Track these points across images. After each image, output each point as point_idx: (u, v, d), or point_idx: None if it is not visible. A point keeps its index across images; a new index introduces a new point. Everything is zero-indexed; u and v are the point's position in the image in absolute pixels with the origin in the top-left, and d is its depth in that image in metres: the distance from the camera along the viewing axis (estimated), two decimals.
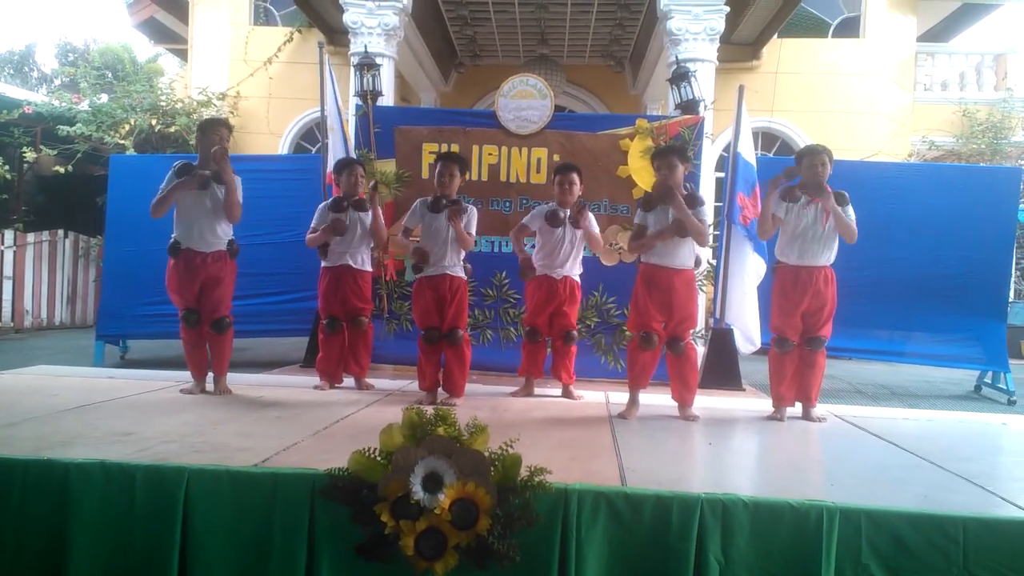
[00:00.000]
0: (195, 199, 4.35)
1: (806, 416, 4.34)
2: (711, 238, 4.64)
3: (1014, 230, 7.50)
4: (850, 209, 4.33)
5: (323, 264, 4.91)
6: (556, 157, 6.37)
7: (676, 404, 4.34)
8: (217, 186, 4.37)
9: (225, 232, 4.46)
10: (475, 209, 4.67)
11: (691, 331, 4.42)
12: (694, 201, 4.28)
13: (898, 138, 12.31)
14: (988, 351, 7.17)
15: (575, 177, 4.84)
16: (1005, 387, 7.22)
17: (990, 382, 7.65)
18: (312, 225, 4.88)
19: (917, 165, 10.98)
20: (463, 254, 4.59)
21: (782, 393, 4.37)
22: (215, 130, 4.45)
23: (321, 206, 4.94)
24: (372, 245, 5.03)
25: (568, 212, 4.82)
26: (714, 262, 6.88)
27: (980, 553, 2.33)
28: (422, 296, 4.56)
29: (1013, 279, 10.92)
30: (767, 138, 12.47)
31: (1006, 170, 9.06)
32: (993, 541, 2.34)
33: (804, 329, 4.33)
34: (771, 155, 12.04)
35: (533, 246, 5.04)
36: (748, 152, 6.50)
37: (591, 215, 4.90)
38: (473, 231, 4.58)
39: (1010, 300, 8.33)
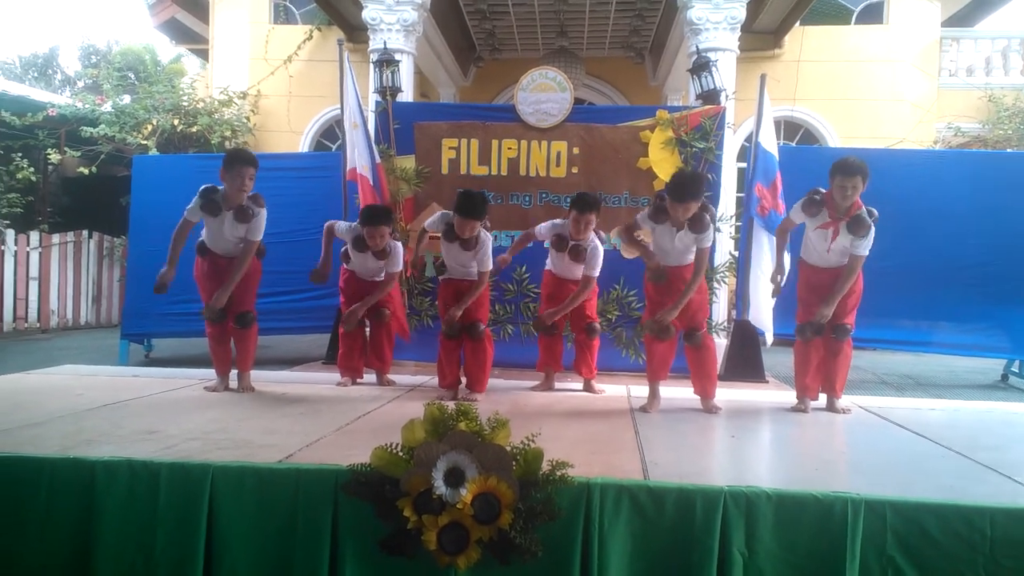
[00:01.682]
0: (217, 226, 4.40)
1: (830, 407, 4.30)
2: (707, 261, 4.57)
3: None
4: (864, 242, 4.20)
5: (344, 265, 4.94)
6: (576, 150, 6.36)
7: (698, 397, 4.32)
8: (239, 224, 4.39)
9: None
10: (489, 237, 4.57)
11: (706, 320, 4.39)
12: (699, 226, 4.14)
13: (923, 125, 12.14)
14: (1014, 340, 7.06)
15: (592, 219, 4.73)
16: None
17: (1016, 371, 7.54)
18: (335, 237, 4.92)
19: (942, 152, 10.83)
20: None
21: (807, 384, 4.34)
22: (241, 171, 4.33)
23: (349, 227, 4.85)
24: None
25: (577, 244, 4.77)
26: (736, 254, 6.83)
27: (1007, 544, 2.30)
28: (444, 293, 4.59)
29: None
30: (789, 127, 12.34)
31: None
32: (1020, 532, 2.31)
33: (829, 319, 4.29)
34: (794, 144, 11.92)
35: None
36: (769, 142, 6.44)
37: (597, 255, 4.81)
38: (488, 264, 4.51)
39: None
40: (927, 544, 2.33)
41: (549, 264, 4.95)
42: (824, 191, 4.27)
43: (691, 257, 4.26)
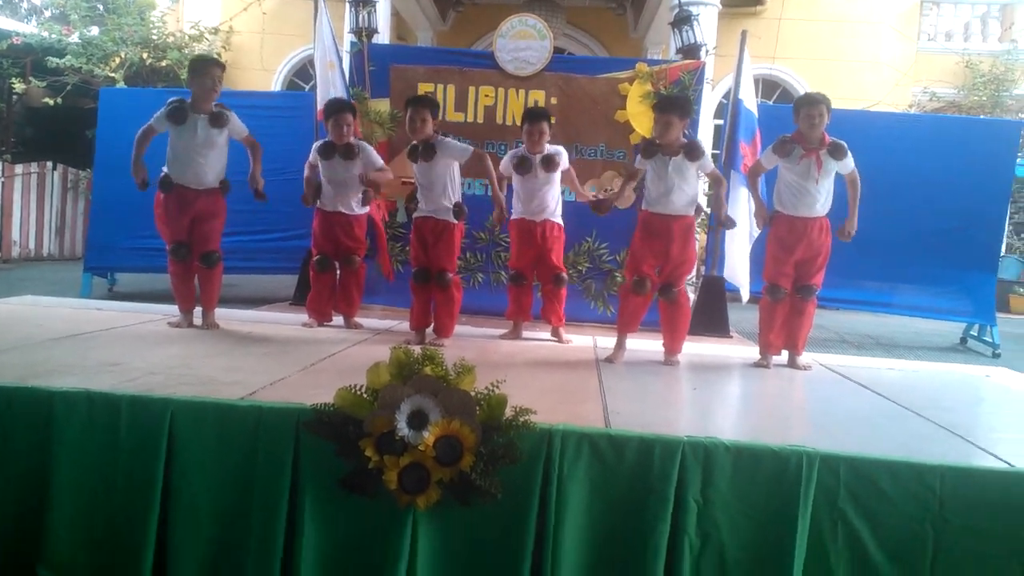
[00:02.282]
0: (186, 136, 4.28)
1: (792, 364, 4.37)
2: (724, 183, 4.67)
3: (1010, 184, 7.49)
4: (848, 160, 4.29)
5: (317, 205, 4.87)
6: (554, 100, 6.30)
7: (663, 350, 4.37)
8: (213, 128, 4.31)
9: (218, 170, 4.41)
10: (447, 140, 4.58)
11: (686, 278, 4.42)
12: (694, 152, 4.23)
13: (900, 88, 12.20)
14: (977, 304, 7.22)
15: (545, 127, 4.79)
16: (991, 340, 7.29)
17: (976, 334, 7.71)
18: (308, 161, 4.84)
19: (917, 116, 10.90)
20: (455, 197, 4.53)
21: (770, 340, 4.39)
22: (208, 71, 4.36)
23: (315, 145, 4.87)
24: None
25: (538, 158, 4.78)
26: (708, 211, 6.84)
27: (955, 502, 2.36)
28: (414, 238, 4.55)
29: (1006, 233, 10.92)
30: (768, 85, 12.33)
31: (1006, 123, 9.00)
32: (968, 491, 2.37)
33: (796, 277, 4.34)
34: (771, 103, 11.91)
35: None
36: (749, 99, 6.43)
37: (563, 157, 4.89)
38: (466, 147, 4.51)
39: (1001, 254, 8.33)
40: (878, 499, 2.38)
41: (515, 209, 4.91)
42: (791, 134, 4.32)
43: (687, 204, 4.28)
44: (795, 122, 4.29)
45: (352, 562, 2.43)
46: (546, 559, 2.37)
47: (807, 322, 4.40)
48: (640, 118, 6.17)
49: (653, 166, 4.28)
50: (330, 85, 6.09)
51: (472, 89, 6.35)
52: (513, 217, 4.92)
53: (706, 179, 4.59)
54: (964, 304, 7.22)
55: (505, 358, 4.15)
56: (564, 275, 4.99)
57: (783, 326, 4.38)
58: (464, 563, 2.42)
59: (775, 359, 4.40)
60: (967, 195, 7.05)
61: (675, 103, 4.36)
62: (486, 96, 6.35)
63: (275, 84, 12.50)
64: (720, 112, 10.47)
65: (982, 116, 11.87)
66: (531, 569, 2.39)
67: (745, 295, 6.24)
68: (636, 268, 4.32)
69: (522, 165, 4.79)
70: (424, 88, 6.34)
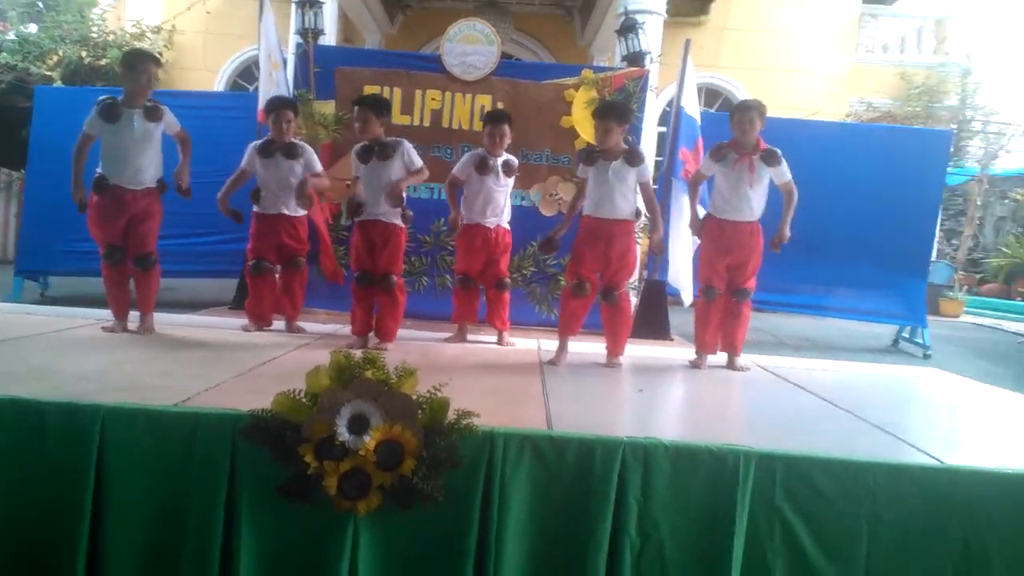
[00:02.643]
0: (122, 133, 4.17)
1: (731, 365, 4.44)
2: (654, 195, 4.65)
3: (941, 191, 7.75)
4: (782, 169, 4.38)
5: (255, 209, 4.78)
6: (500, 105, 6.30)
7: (605, 352, 4.40)
8: (150, 123, 4.21)
9: (156, 168, 4.31)
10: (406, 142, 4.52)
11: (627, 281, 4.45)
12: (635, 158, 4.29)
13: (837, 98, 12.52)
14: (908, 307, 7.43)
15: (506, 129, 4.81)
16: (922, 342, 7.51)
17: (908, 336, 7.93)
18: (241, 165, 4.73)
19: (852, 125, 11.20)
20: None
21: (706, 340, 4.48)
22: (143, 66, 4.25)
23: (251, 146, 4.77)
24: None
25: (498, 161, 4.79)
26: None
27: (888, 498, 2.42)
28: (357, 240, 4.49)
29: (936, 239, 11.26)
30: (710, 94, 12.55)
31: (937, 133, 9.28)
32: (901, 487, 2.43)
33: (730, 281, 4.42)
34: (713, 111, 12.11)
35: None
36: (692, 107, 6.53)
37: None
38: (417, 162, 4.46)
39: (932, 259, 8.60)
40: (814, 497, 2.42)
41: (465, 215, 4.89)
42: (727, 141, 4.43)
43: (628, 208, 4.30)
44: (731, 128, 4.39)
45: (292, 569, 2.38)
46: (489, 561, 2.36)
47: (743, 324, 4.48)
48: (584, 124, 6.22)
49: (594, 172, 4.31)
50: (274, 86, 6.01)
51: (419, 93, 6.34)
52: (464, 222, 4.90)
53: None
54: (896, 307, 7.43)
55: (450, 361, 4.13)
56: (507, 280, 5.00)
57: (718, 327, 4.46)
58: (406, 567, 2.39)
59: (713, 360, 4.47)
60: (900, 202, 7.26)
61: (614, 109, 4.40)
62: (433, 100, 6.34)
63: (218, 85, 12.30)
64: (664, 119, 10.61)
65: (916, 126, 12.24)
66: (474, 572, 2.37)
67: (688, 299, 6.32)
68: (577, 271, 4.35)
69: (483, 166, 4.78)
70: (370, 90, 6.29)
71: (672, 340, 6.19)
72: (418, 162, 4.44)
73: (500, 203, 4.84)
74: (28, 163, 7.42)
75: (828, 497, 2.43)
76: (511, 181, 4.88)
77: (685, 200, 6.23)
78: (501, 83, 6.36)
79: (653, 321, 6.26)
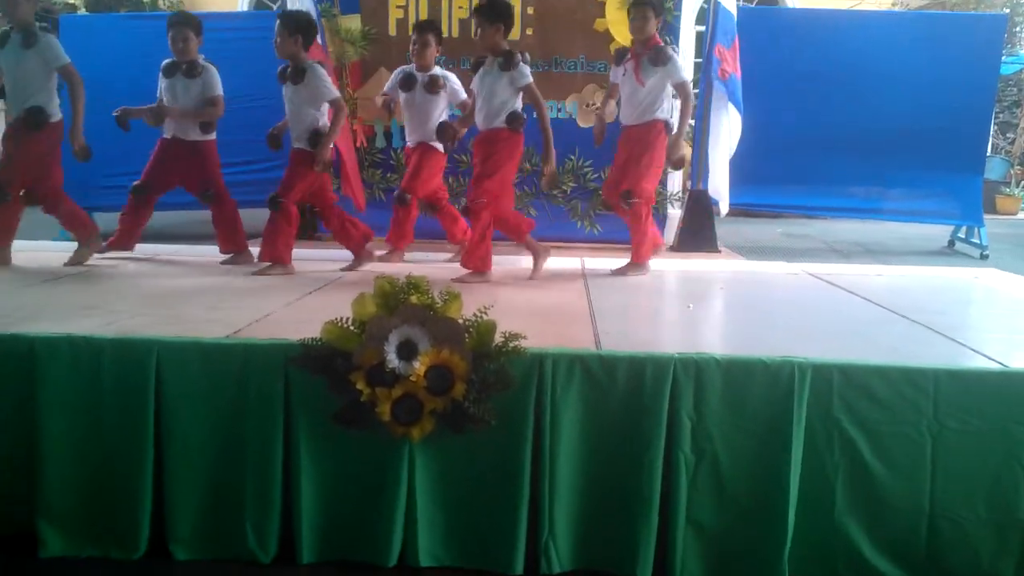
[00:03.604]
0: (7, 61, 4.12)
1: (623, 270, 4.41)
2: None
3: (996, 81, 7.39)
4: (673, 67, 4.19)
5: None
6: (530, 10, 6.10)
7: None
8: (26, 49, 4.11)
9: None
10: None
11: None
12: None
13: None
14: (964, 206, 7.19)
15: (430, 39, 4.73)
16: (978, 242, 7.29)
17: (964, 237, 7.71)
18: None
19: (898, 13, 10.66)
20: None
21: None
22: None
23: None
24: None
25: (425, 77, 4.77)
26: (692, 121, 6.73)
27: (949, 404, 2.36)
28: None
29: (991, 133, 10.84)
30: None
31: (990, 17, 8.81)
32: (962, 392, 2.37)
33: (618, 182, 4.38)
34: (753, 4, 11.61)
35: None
36: (729, 1, 6.24)
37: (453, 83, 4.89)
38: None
39: (987, 154, 8.28)
40: (873, 406, 2.38)
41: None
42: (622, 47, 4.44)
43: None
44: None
45: (351, 495, 2.43)
46: (543, 483, 2.38)
47: (640, 228, 4.37)
48: (619, 26, 5.98)
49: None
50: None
51: (446, 1, 6.13)
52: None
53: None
54: (951, 206, 7.19)
55: (493, 283, 4.10)
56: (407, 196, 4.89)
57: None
58: (462, 491, 2.43)
59: (759, 269, 4.39)
60: (952, 94, 6.93)
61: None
62: (460, 8, 6.14)
63: (241, 4, 12.07)
64: (702, 17, 10.20)
65: (967, 11, 11.63)
66: (529, 493, 2.39)
67: (724, 208, 6.21)
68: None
69: (406, 83, 4.75)
70: (396, 2, 6.12)
71: (720, 252, 6.08)
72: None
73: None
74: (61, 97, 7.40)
75: (887, 406, 2.38)
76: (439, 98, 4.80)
77: (726, 105, 6.05)
78: None
79: (699, 232, 6.15)
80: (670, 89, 4.25)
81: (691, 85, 4.40)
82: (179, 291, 3.53)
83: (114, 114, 4.40)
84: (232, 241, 4.63)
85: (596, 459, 2.41)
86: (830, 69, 6.87)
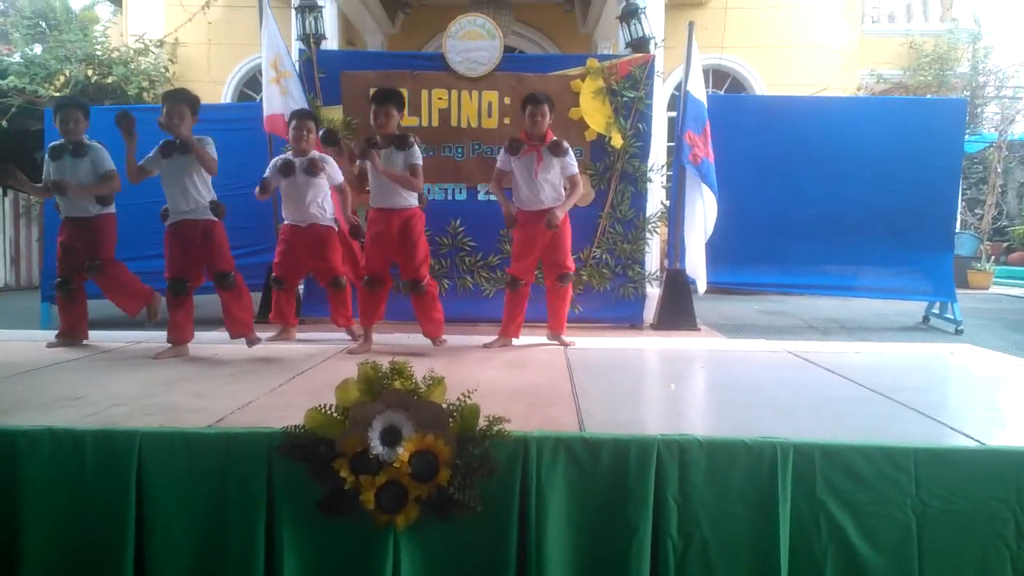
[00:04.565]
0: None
1: (560, 342, 4.88)
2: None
3: (960, 161, 7.61)
4: (569, 160, 4.74)
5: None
6: (507, 100, 6.27)
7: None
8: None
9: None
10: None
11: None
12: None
13: (846, 72, 12.38)
14: (936, 282, 7.32)
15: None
16: (952, 317, 7.41)
17: (938, 312, 7.83)
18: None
19: (864, 99, 11.08)
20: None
21: (510, 330, 4.90)
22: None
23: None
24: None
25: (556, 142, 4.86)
26: (668, 203, 6.89)
27: (931, 483, 2.38)
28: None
29: (959, 210, 11.14)
30: (718, 75, 12.43)
31: (952, 101, 9.15)
32: (943, 470, 2.39)
33: (551, 265, 4.84)
34: (722, 92, 12.02)
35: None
36: (698, 90, 6.47)
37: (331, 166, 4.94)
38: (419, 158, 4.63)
39: (956, 231, 8.48)
40: (856, 486, 2.39)
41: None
42: (519, 135, 4.80)
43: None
44: (525, 119, 4.72)
45: None
46: (531, 569, 2.35)
47: (567, 303, 4.96)
48: (594, 114, 6.18)
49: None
50: (286, 94, 5.99)
51: (425, 92, 6.30)
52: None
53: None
54: (924, 283, 7.33)
55: (475, 364, 4.12)
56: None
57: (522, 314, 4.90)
58: None
59: (745, 347, 4.43)
60: (919, 175, 7.15)
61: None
62: (439, 99, 6.31)
63: (225, 96, 12.31)
64: (673, 104, 10.54)
65: (928, 96, 12.09)
66: None
67: (702, 287, 6.30)
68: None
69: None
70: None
71: (699, 330, 6.14)
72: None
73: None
74: None
75: (871, 486, 2.40)
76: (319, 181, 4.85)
77: (700, 187, 6.21)
78: (506, 77, 6.32)
79: (678, 311, 6.22)
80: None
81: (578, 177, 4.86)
82: (160, 379, 3.51)
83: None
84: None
85: (583, 545, 2.39)
86: (800, 153, 7.09)
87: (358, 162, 4.68)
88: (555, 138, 4.73)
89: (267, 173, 4.82)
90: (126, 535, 2.37)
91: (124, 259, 4.88)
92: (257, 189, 4.77)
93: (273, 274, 4.96)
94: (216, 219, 4.46)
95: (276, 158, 4.92)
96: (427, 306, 4.63)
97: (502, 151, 4.85)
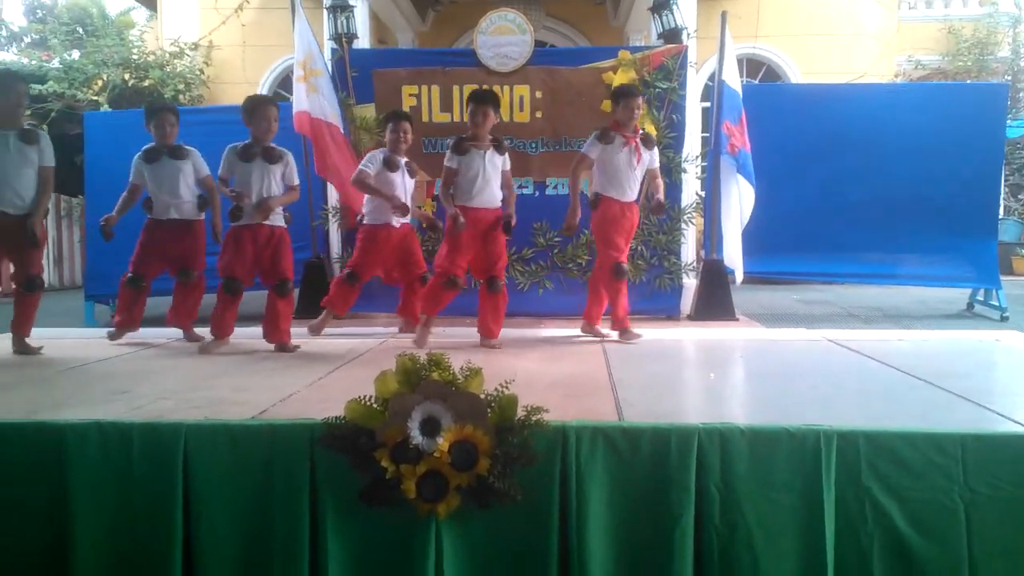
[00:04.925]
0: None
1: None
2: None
3: (1002, 146, 7.48)
4: (656, 152, 4.83)
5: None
6: (539, 94, 6.27)
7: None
8: (26, 145, 4.28)
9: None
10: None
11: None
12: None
13: (884, 59, 12.17)
14: (979, 269, 7.20)
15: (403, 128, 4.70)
16: (997, 304, 7.27)
17: (982, 299, 7.69)
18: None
19: (903, 85, 10.90)
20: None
21: (621, 316, 4.65)
22: (12, 86, 4.28)
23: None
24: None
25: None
26: (703, 194, 6.84)
27: (979, 469, 2.34)
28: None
29: (1002, 196, 10.91)
30: (752, 64, 12.30)
31: (993, 86, 8.97)
32: (991, 457, 2.35)
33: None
34: (757, 82, 11.88)
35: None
36: (733, 79, 6.41)
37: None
38: None
39: (999, 217, 8.30)
40: (902, 473, 2.35)
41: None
42: (606, 126, 4.71)
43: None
44: (614, 109, 4.72)
45: (378, 573, 2.41)
46: (573, 558, 2.35)
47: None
48: None
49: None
50: (316, 92, 6.04)
51: (456, 88, 6.32)
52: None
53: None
54: (967, 270, 7.20)
55: (514, 355, 4.12)
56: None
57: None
58: (491, 566, 2.39)
59: (784, 337, 4.39)
60: (960, 161, 7.04)
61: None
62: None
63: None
64: (707, 94, 10.44)
65: (968, 81, 11.85)
66: (559, 568, 2.36)
67: (739, 276, 6.25)
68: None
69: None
70: (408, 91, 6.31)
71: (738, 320, 6.09)
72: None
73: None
74: (86, 189, 7.61)
75: (917, 472, 2.35)
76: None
77: (735, 176, 6.15)
78: (538, 72, 6.32)
79: (716, 301, 6.17)
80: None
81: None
82: (204, 373, 3.56)
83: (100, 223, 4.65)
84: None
85: (625, 533, 2.38)
86: (838, 141, 7.00)
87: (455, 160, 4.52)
88: (641, 130, 4.80)
89: (372, 168, 4.61)
90: (173, 526, 2.41)
91: None
92: (371, 182, 4.61)
93: (348, 269, 4.80)
94: (286, 227, 4.52)
95: (376, 153, 4.71)
96: (500, 305, 4.58)
97: (594, 141, 4.65)
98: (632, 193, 4.69)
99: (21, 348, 4.23)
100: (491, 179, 4.52)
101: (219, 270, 4.42)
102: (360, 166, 4.64)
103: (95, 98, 11.25)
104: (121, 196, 4.65)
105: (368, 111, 6.33)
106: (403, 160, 4.72)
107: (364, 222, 4.75)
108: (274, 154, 4.45)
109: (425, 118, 6.31)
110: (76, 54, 11.91)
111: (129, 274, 4.65)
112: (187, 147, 4.66)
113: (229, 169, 4.42)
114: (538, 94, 6.27)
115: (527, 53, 6.27)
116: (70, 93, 11.21)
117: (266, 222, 4.40)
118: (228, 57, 12.39)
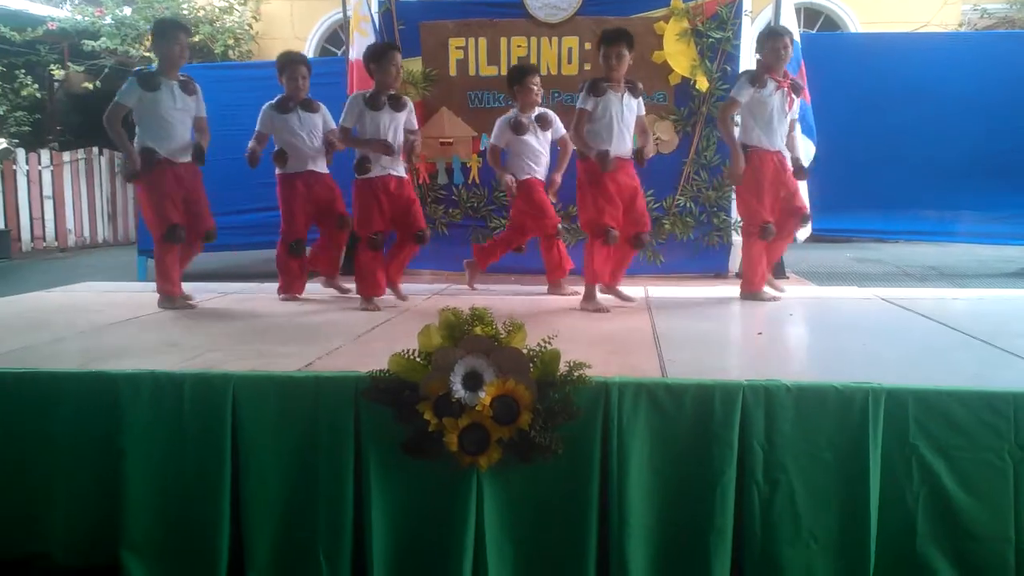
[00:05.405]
0: (163, 103, 4.24)
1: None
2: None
3: None
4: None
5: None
6: (588, 45, 6.14)
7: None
8: (187, 96, 4.32)
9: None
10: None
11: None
12: (635, 91, 4.43)
13: (948, 8, 11.67)
14: None
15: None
16: None
17: None
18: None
19: (968, 34, 10.44)
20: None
21: (762, 275, 4.46)
22: (174, 35, 4.30)
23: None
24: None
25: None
26: None
27: None
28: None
29: None
30: (810, 14, 11.91)
31: None
32: None
33: (786, 210, 4.38)
34: (814, 31, 11.51)
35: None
36: (791, 29, 6.20)
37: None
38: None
39: None
40: (951, 432, 2.31)
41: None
42: (752, 69, 4.39)
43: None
44: (761, 52, 4.35)
45: (421, 524, 2.45)
46: (613, 513, 2.36)
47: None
48: (678, 57, 6.00)
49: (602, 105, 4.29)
50: (366, 35, 6.03)
51: (504, 40, 6.23)
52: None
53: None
54: None
55: (557, 311, 4.12)
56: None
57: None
58: (531, 520, 2.42)
59: (833, 294, 4.31)
60: (1022, 115, 6.76)
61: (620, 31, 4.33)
62: (518, 47, 6.23)
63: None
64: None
65: None
66: (599, 523, 2.38)
67: (802, 234, 6.10)
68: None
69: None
70: (455, 43, 6.25)
71: (788, 278, 5.98)
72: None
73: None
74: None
75: (966, 431, 2.31)
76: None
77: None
78: (587, 22, 6.18)
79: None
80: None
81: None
82: (252, 327, 3.63)
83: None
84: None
85: (666, 488, 2.38)
86: (898, 92, 6.76)
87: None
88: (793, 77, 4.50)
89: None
90: (222, 473, 2.48)
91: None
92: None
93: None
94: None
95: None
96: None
97: (745, 84, 4.31)
98: (781, 141, 4.38)
99: (174, 303, 4.25)
100: (628, 125, 4.33)
101: (356, 227, 4.42)
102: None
103: (147, 54, 11.36)
104: (250, 143, 4.58)
105: (415, 64, 6.27)
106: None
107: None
108: (400, 103, 4.45)
109: (472, 71, 6.25)
110: (128, 10, 12.01)
111: (290, 243, 4.60)
112: (316, 100, 4.66)
113: (356, 118, 4.37)
114: (587, 45, 6.15)
115: (576, 3, 6.14)
116: (123, 49, 11.34)
117: (393, 172, 4.37)
118: (276, 12, 12.40)
